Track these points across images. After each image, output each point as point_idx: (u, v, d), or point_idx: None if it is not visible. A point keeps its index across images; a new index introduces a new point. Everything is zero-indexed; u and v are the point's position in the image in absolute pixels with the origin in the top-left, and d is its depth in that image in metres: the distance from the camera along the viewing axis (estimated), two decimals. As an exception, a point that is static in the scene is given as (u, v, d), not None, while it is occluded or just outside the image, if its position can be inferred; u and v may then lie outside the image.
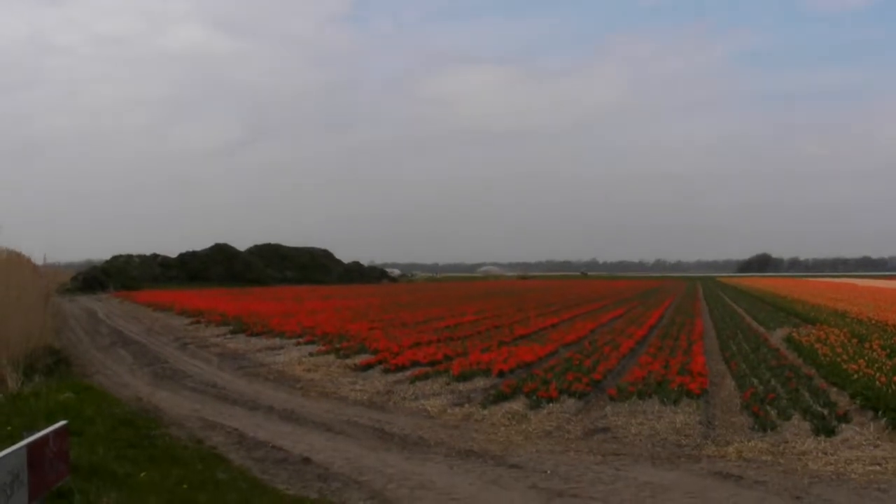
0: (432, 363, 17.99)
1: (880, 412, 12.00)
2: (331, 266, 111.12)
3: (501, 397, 13.93)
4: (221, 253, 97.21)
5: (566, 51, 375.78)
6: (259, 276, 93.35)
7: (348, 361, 18.99)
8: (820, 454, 10.14)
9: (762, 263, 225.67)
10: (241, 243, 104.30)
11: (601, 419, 12.44)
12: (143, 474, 8.50)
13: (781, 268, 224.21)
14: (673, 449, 10.68)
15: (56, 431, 6.31)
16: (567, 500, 8.29)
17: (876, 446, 10.45)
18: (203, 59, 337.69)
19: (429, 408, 13.66)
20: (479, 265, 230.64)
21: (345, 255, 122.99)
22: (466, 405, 13.69)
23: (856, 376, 14.55)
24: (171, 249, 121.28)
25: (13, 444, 5.76)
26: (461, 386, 15.26)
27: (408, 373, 16.95)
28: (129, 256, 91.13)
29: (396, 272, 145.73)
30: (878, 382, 13.39)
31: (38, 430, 6.13)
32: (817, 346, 19.60)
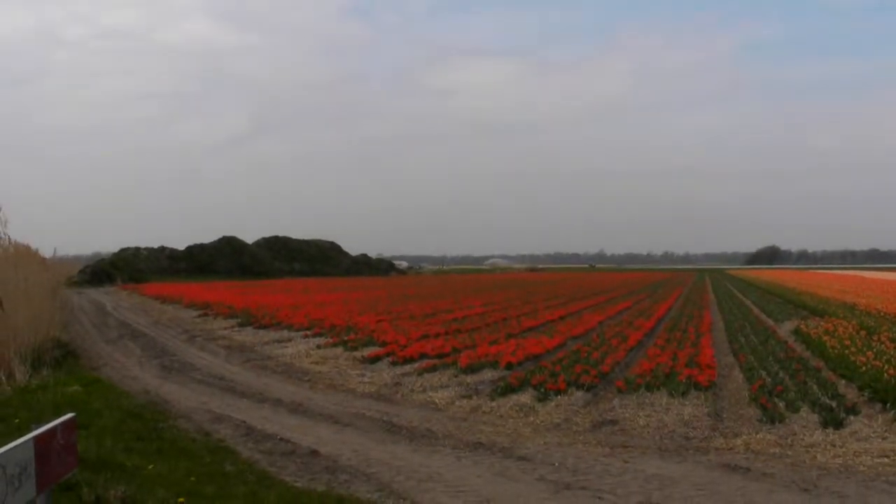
0: (440, 355, 17.99)
1: (889, 404, 11.98)
2: (338, 259, 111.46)
3: (509, 389, 13.92)
4: (229, 245, 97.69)
5: (574, 43, 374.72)
6: (267, 269, 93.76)
7: (356, 354, 19.02)
8: (828, 446, 10.08)
9: (770, 256, 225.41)
10: (249, 236, 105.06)
11: (609, 411, 12.42)
12: (151, 466, 8.51)
13: (790, 260, 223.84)
14: (681, 441, 10.65)
15: (64, 424, 6.31)
16: (575, 493, 8.27)
17: (884, 438, 10.40)
18: (210, 52, 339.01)
19: (437, 400, 13.66)
20: (487, 257, 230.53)
21: (352, 247, 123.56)
22: (474, 397, 13.69)
23: (864, 368, 14.48)
24: (179, 242, 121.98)
25: (21, 436, 5.77)
26: (469, 378, 15.26)
27: (416, 365, 16.97)
28: (137, 249, 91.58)
29: (404, 264, 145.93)
30: (886, 374, 13.33)
31: (46, 423, 6.13)
32: (825, 338, 19.51)
